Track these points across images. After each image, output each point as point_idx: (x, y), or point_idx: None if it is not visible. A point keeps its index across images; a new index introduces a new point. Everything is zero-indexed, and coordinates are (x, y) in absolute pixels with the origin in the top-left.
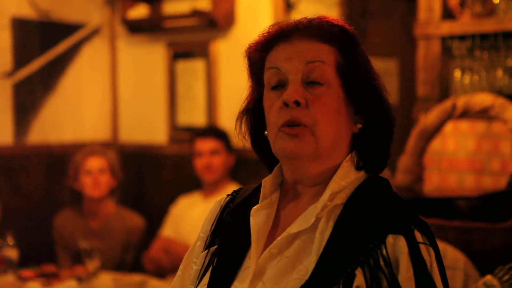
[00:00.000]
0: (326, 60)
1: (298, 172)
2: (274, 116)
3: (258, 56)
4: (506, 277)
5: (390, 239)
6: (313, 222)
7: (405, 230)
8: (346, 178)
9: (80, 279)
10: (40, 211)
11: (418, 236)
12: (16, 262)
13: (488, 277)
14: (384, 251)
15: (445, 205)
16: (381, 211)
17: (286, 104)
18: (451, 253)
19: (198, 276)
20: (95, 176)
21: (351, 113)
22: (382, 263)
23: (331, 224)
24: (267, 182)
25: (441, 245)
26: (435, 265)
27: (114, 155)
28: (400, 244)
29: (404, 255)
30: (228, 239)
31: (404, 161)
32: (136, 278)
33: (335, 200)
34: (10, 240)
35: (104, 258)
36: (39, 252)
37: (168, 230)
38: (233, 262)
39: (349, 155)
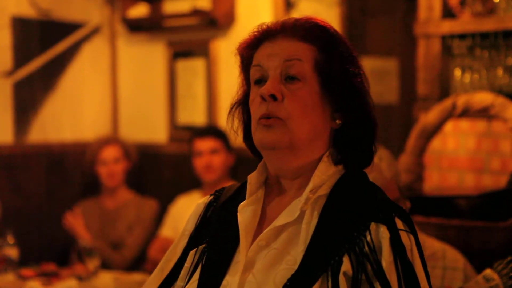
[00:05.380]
0: (304, 58)
1: (278, 165)
2: (254, 109)
3: (247, 53)
4: (505, 271)
5: (373, 226)
6: (298, 215)
7: (386, 217)
8: (327, 171)
9: (80, 278)
10: (40, 210)
11: (399, 224)
12: (16, 261)
13: (488, 271)
14: (368, 238)
15: (445, 204)
16: (363, 201)
17: (263, 98)
18: (450, 254)
19: (188, 274)
20: (110, 167)
21: (330, 109)
22: (366, 249)
23: (316, 214)
24: (252, 179)
25: (441, 245)
26: (415, 249)
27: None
28: (382, 230)
29: (386, 241)
30: (217, 236)
31: (404, 160)
32: (136, 277)
33: (318, 192)
34: (10, 239)
35: (115, 237)
36: (39, 251)
37: (167, 230)
38: (223, 257)
39: (329, 150)
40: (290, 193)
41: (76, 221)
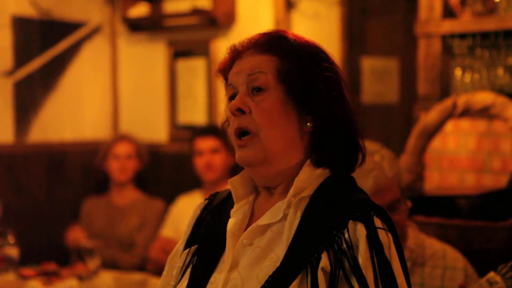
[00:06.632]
0: (266, 69)
1: (259, 177)
2: (230, 124)
3: (225, 74)
4: (509, 274)
5: (351, 224)
6: (281, 216)
7: (364, 216)
8: (311, 175)
9: (80, 278)
10: (40, 209)
11: (378, 222)
12: (16, 260)
13: (491, 274)
14: (346, 235)
15: (446, 204)
16: (343, 200)
17: (233, 113)
18: (450, 254)
19: (180, 273)
20: (123, 162)
21: (298, 114)
22: (344, 246)
23: (299, 214)
24: (236, 183)
25: (441, 245)
26: (393, 247)
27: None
28: (359, 228)
29: (363, 238)
30: (207, 238)
31: (405, 160)
32: (136, 276)
33: (301, 194)
34: (10, 239)
35: (121, 235)
36: (39, 250)
37: (168, 230)
38: (212, 257)
39: (312, 155)
40: (275, 197)
41: (78, 235)
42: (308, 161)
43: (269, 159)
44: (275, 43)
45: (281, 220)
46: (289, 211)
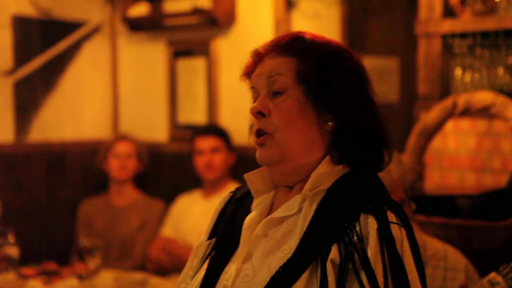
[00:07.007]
0: (285, 71)
1: (278, 176)
2: (253, 126)
3: (250, 78)
4: (510, 275)
5: (362, 217)
6: (297, 209)
7: (376, 209)
8: (331, 171)
9: (81, 277)
10: (41, 209)
11: (391, 217)
12: (17, 260)
13: (493, 275)
14: (357, 228)
15: (446, 203)
16: (359, 194)
17: (254, 116)
18: (452, 254)
19: (200, 264)
20: (123, 160)
21: (318, 114)
22: (355, 239)
23: (314, 207)
24: (254, 178)
25: (442, 246)
26: (406, 242)
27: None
28: (370, 221)
29: (374, 231)
30: (226, 230)
31: (405, 159)
32: (137, 276)
33: (318, 188)
34: (11, 238)
35: (121, 237)
36: (40, 250)
37: (168, 229)
38: (228, 249)
39: (331, 152)
40: (293, 192)
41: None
42: (327, 157)
43: (287, 158)
44: (293, 45)
45: (296, 213)
46: (304, 205)
